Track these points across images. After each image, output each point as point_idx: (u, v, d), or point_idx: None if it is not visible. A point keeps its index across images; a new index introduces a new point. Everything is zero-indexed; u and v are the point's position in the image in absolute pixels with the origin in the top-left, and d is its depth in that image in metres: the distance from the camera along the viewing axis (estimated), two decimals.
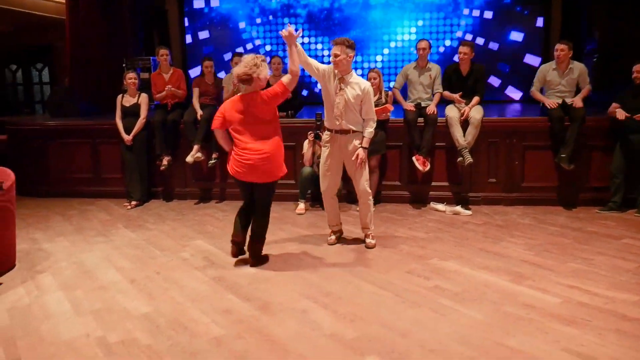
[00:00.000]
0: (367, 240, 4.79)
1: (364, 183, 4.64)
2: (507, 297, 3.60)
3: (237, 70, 4.06)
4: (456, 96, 6.00)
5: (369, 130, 4.52)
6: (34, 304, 3.68)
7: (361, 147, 4.50)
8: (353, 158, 4.48)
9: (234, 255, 4.36)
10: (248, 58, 4.07)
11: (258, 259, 4.36)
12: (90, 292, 3.86)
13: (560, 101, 5.95)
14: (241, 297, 3.69)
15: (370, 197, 4.72)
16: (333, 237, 4.90)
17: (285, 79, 4.17)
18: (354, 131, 4.51)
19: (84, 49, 8.86)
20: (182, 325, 3.27)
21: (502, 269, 4.11)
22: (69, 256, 4.70)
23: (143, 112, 6.45)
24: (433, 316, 3.34)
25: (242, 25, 10.32)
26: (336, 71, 4.44)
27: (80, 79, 8.76)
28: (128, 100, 6.50)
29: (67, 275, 4.22)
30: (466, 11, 9.64)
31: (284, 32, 4.22)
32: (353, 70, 4.54)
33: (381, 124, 5.95)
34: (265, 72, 4.08)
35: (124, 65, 9.17)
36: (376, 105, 5.88)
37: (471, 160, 5.76)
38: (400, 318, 3.31)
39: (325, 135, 4.66)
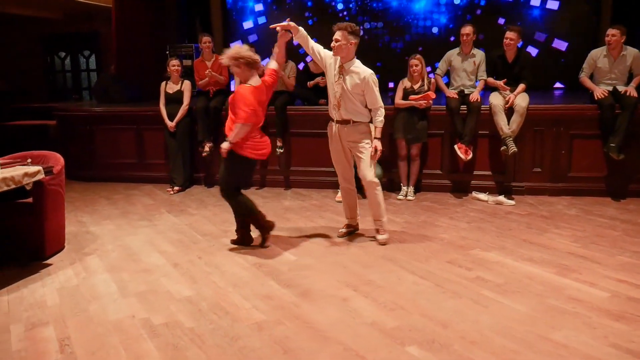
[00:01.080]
0: (378, 236, 4.54)
1: (368, 173, 4.39)
2: (552, 289, 3.51)
3: (244, 53, 4.13)
4: (500, 83, 5.85)
5: (379, 119, 4.31)
6: (82, 285, 3.81)
7: (375, 138, 4.33)
8: (372, 153, 4.32)
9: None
10: (239, 47, 4.24)
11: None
12: (135, 275, 3.97)
13: (610, 89, 5.73)
14: (281, 283, 3.72)
15: (379, 187, 4.47)
16: (344, 230, 4.76)
17: (274, 65, 4.36)
18: (354, 122, 4.34)
19: (129, 36, 9.02)
20: (224, 310, 3.33)
21: (546, 261, 4.01)
22: (114, 239, 4.83)
23: (186, 99, 6.54)
24: (474, 307, 3.29)
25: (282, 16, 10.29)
26: (337, 58, 4.28)
27: (126, 66, 8.93)
28: (171, 87, 6.61)
29: (113, 258, 4.34)
30: None
31: (282, 26, 4.23)
32: (356, 58, 4.33)
33: (423, 112, 5.88)
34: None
35: (167, 52, 9.31)
36: (418, 93, 5.84)
37: (515, 149, 5.63)
38: (441, 308, 3.28)
39: (329, 125, 4.52)
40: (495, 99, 5.85)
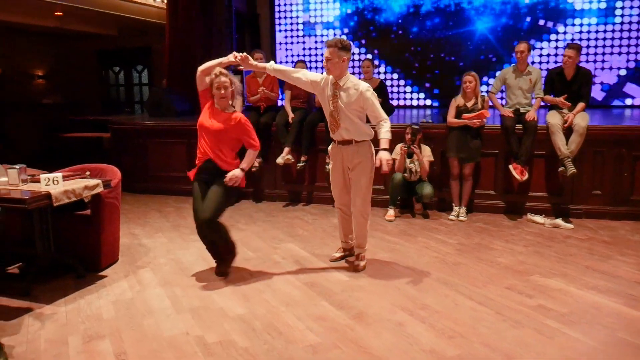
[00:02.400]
0: (358, 263, 4.32)
1: (361, 203, 4.18)
2: (621, 322, 3.32)
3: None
4: (560, 99, 5.66)
5: (383, 130, 3.97)
6: (136, 298, 3.84)
7: (381, 149, 3.94)
8: (377, 165, 3.99)
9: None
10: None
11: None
12: (188, 290, 3.97)
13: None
14: (335, 304, 3.65)
15: (367, 217, 4.27)
16: (336, 254, 4.56)
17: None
18: (357, 141, 4.08)
19: (181, 51, 9.22)
20: (277, 330, 3.28)
21: (613, 291, 3.81)
22: (166, 252, 4.87)
23: None
24: (539, 338, 3.13)
25: (325, 31, 10.34)
26: (331, 76, 4.06)
27: (178, 80, 9.11)
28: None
29: (166, 272, 4.37)
30: None
31: (234, 58, 4.05)
32: (349, 74, 4.09)
33: (476, 131, 5.75)
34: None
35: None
36: (472, 111, 5.71)
37: (574, 170, 5.41)
38: (503, 338, 3.13)
39: (331, 147, 4.32)
40: (553, 118, 5.66)
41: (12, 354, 3.02)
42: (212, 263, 4.54)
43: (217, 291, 3.94)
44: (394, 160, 5.96)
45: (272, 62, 4.16)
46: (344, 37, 4.08)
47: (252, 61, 4.05)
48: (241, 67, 4.11)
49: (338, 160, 4.23)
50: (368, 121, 4.19)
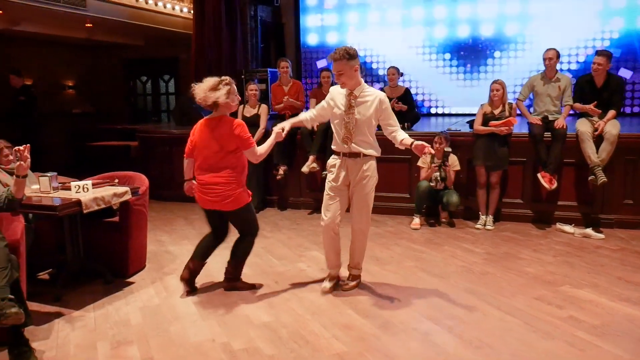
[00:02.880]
0: (348, 282, 4.10)
1: (365, 220, 3.98)
2: None
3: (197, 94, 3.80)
4: (590, 106, 5.55)
5: (404, 134, 3.86)
6: (163, 305, 3.87)
7: (416, 142, 3.72)
8: (425, 152, 3.67)
9: (182, 280, 4.10)
10: (209, 82, 3.81)
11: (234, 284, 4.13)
12: (214, 297, 3.99)
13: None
14: (360, 313, 3.62)
15: (367, 235, 4.10)
16: (328, 284, 4.07)
17: (257, 149, 3.92)
18: (364, 155, 3.85)
19: (207, 61, 9.33)
20: (304, 338, 3.27)
21: None
22: None
23: (262, 123, 6.64)
24: (570, 350, 3.06)
25: (350, 37, 10.35)
26: (347, 89, 3.82)
27: None
28: (249, 111, 6.73)
29: None
30: None
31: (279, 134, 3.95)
32: (363, 82, 3.87)
33: (504, 138, 5.68)
34: (226, 94, 3.77)
35: (242, 77, 9.54)
36: (499, 119, 5.65)
37: (605, 179, 5.30)
38: (533, 349, 3.07)
39: (332, 159, 3.99)
40: (583, 126, 5.56)
41: (43, 358, 3.07)
42: None
43: (243, 298, 3.95)
44: (419, 167, 5.93)
45: (303, 115, 4.18)
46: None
47: (283, 123, 4.04)
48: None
49: (341, 174, 3.91)
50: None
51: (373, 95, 3.82)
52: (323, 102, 4.01)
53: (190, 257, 4.11)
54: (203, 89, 3.77)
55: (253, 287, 4.14)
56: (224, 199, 3.84)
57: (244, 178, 3.94)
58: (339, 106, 3.85)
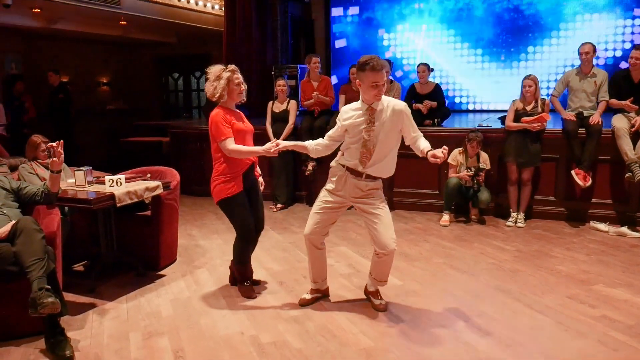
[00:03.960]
0: (376, 302, 3.65)
1: (391, 240, 3.43)
2: None
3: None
4: (627, 102, 5.40)
5: (423, 139, 3.46)
6: (193, 297, 3.93)
7: (430, 150, 3.32)
8: (432, 158, 3.23)
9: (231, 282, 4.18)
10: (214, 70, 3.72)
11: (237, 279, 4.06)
12: None
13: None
14: (389, 308, 3.62)
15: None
16: (308, 295, 3.77)
17: (230, 145, 3.64)
18: (375, 178, 3.48)
19: (238, 58, 9.39)
20: (331, 333, 3.28)
21: None
22: (222, 254, 4.97)
23: (291, 118, 6.67)
24: (603, 350, 3.00)
25: (381, 32, 10.30)
26: (362, 104, 3.41)
27: None
28: (278, 107, 6.77)
29: (222, 272, 4.45)
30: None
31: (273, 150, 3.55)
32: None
33: (536, 135, 5.58)
34: (214, 84, 3.67)
35: (272, 72, 9.60)
36: (531, 115, 5.55)
37: None
38: (565, 349, 3.02)
39: (335, 169, 3.57)
40: (619, 122, 5.42)
41: (78, 348, 3.16)
42: (267, 265, 4.62)
43: (271, 292, 3.99)
44: (449, 164, 5.87)
45: (309, 143, 3.68)
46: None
47: (286, 142, 3.74)
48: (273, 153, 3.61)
49: (341, 187, 3.51)
50: None
51: (392, 106, 3.40)
52: (335, 129, 3.54)
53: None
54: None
55: (250, 295, 3.90)
56: (212, 190, 3.81)
57: (235, 170, 3.72)
58: (356, 127, 3.39)
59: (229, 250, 5.01)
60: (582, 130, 5.59)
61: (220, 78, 3.68)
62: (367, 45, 10.29)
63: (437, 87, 6.82)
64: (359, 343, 3.15)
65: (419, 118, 6.57)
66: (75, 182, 4.22)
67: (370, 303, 3.69)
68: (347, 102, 6.69)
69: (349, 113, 3.45)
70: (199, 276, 4.40)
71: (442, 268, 4.43)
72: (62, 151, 3.36)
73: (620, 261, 4.50)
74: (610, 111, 5.76)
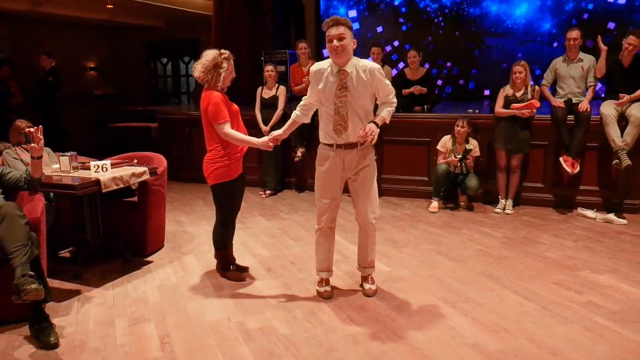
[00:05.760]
0: (366, 286, 3.64)
1: (369, 213, 3.47)
2: None
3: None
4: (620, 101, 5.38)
5: (388, 109, 3.35)
6: (180, 284, 3.91)
7: (373, 122, 3.24)
8: (360, 133, 3.19)
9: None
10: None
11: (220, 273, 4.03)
12: None
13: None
14: (376, 295, 3.62)
15: (375, 228, 3.58)
16: (327, 287, 3.66)
17: (227, 129, 3.61)
18: (361, 144, 3.35)
19: (227, 43, 9.28)
20: (318, 319, 3.28)
21: None
22: (210, 240, 4.86)
23: (281, 104, 6.61)
24: (588, 336, 3.02)
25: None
26: (332, 66, 3.29)
27: None
28: (267, 93, 6.71)
29: (210, 258, 4.42)
30: None
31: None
32: (354, 56, 3.31)
33: (525, 121, 5.58)
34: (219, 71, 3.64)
35: (262, 58, 9.51)
36: (521, 101, 5.54)
37: (629, 163, 5.18)
38: (550, 334, 3.04)
39: (323, 150, 3.45)
40: (607, 109, 5.43)
41: (63, 334, 3.13)
42: (255, 251, 4.60)
43: (259, 279, 3.97)
44: (438, 151, 5.86)
45: (294, 116, 3.66)
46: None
47: (279, 132, 3.67)
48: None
49: (337, 169, 3.42)
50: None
51: (364, 68, 3.26)
52: (309, 92, 3.50)
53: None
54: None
55: (240, 278, 3.93)
56: (207, 171, 3.78)
57: (235, 154, 3.73)
58: (329, 91, 3.29)
59: None
60: (570, 117, 5.60)
61: (220, 66, 3.65)
62: (358, 31, 10.22)
63: (428, 72, 6.79)
64: (345, 329, 3.15)
65: (409, 105, 6.56)
66: (60, 167, 4.17)
67: (365, 291, 3.67)
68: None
69: (318, 74, 3.35)
70: (186, 262, 4.38)
71: (430, 254, 4.44)
72: (41, 137, 3.31)
73: (606, 248, 4.53)
74: (598, 98, 5.76)
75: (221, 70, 3.67)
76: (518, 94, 5.63)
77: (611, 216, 5.33)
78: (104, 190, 3.86)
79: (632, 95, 5.33)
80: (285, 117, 6.68)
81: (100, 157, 4.60)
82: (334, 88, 3.26)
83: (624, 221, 5.24)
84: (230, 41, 9.31)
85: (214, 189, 3.82)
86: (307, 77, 6.64)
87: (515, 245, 4.65)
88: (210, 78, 3.68)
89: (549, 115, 5.74)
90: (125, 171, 4.11)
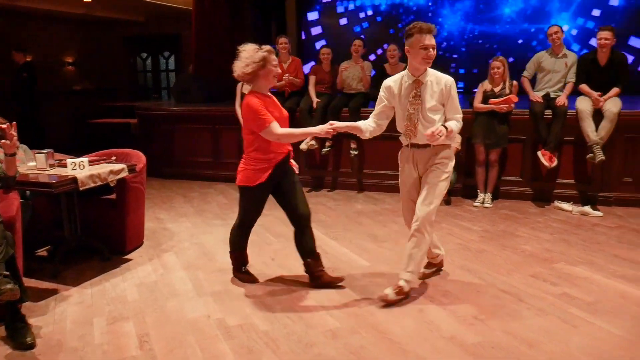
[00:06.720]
0: (387, 292, 3.39)
1: (429, 211, 3.43)
2: None
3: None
4: (595, 96, 5.44)
5: (453, 122, 3.41)
6: (160, 281, 3.90)
7: (443, 125, 3.34)
8: (428, 132, 3.28)
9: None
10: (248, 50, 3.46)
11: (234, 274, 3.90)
12: (211, 274, 4.02)
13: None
14: (356, 290, 3.64)
15: (429, 231, 3.48)
16: (427, 270, 3.85)
17: (277, 129, 3.39)
18: (434, 145, 3.43)
19: (208, 38, 9.24)
20: (298, 315, 3.29)
21: None
22: (190, 237, 4.93)
23: None
24: (563, 327, 3.07)
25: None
26: (408, 76, 3.41)
27: (204, 66, 9.15)
28: (247, 88, 6.61)
29: (189, 256, 4.42)
30: None
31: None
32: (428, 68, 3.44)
33: (504, 116, 5.64)
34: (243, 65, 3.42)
35: None
36: (499, 96, 5.60)
37: (603, 157, 5.28)
38: (526, 326, 3.09)
39: (401, 153, 3.62)
40: (583, 104, 5.51)
41: (40, 334, 3.10)
42: None
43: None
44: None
45: (363, 123, 3.56)
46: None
47: (340, 123, 3.52)
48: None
49: (411, 167, 3.52)
50: None
51: (439, 80, 3.40)
52: (381, 104, 3.51)
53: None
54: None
55: (252, 280, 3.85)
56: (237, 172, 3.61)
57: (269, 159, 3.50)
58: (402, 98, 3.42)
59: (198, 233, 5.03)
60: (548, 111, 5.67)
61: (268, 61, 3.43)
62: (338, 27, 10.23)
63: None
64: (325, 324, 3.16)
65: None
66: (37, 165, 4.11)
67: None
68: (317, 83, 6.69)
69: (392, 84, 3.46)
70: (166, 260, 4.36)
71: None
72: (14, 133, 3.25)
73: (581, 240, 4.61)
74: (575, 93, 5.84)
75: (268, 67, 3.44)
76: (496, 89, 5.68)
77: (587, 209, 5.42)
78: (81, 188, 3.82)
79: (605, 97, 5.41)
80: None
81: (79, 154, 4.54)
82: (409, 95, 3.39)
83: (600, 213, 5.34)
84: (211, 36, 9.26)
85: (240, 190, 3.67)
86: (287, 74, 6.63)
87: (494, 238, 4.71)
88: (254, 77, 3.44)
89: (527, 110, 5.80)
90: (103, 168, 4.07)
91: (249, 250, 4.47)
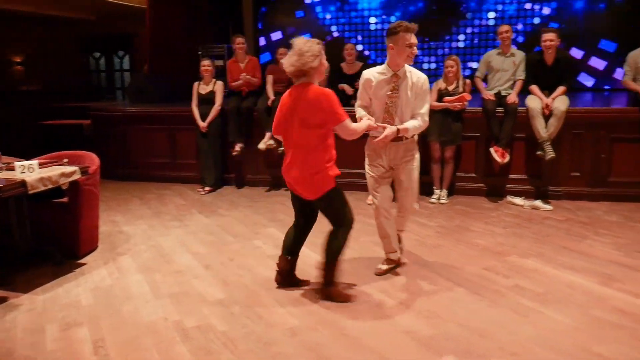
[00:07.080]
0: (380, 266, 3.93)
1: (412, 202, 3.88)
2: (595, 300, 3.38)
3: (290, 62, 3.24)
4: (545, 101, 5.58)
5: (415, 123, 3.58)
6: (115, 285, 3.82)
7: (397, 127, 3.51)
8: (380, 136, 3.46)
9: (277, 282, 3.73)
10: (300, 44, 3.24)
11: (326, 291, 3.47)
12: (168, 276, 3.97)
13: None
14: (314, 287, 3.66)
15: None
16: (385, 266, 3.96)
17: (351, 124, 3.27)
18: (406, 138, 3.62)
19: (163, 37, 9.11)
20: (257, 314, 3.29)
21: (588, 270, 3.87)
22: (147, 239, 4.85)
23: (218, 100, 6.55)
24: (514, 317, 3.18)
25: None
26: (387, 70, 3.59)
27: (159, 66, 9.02)
28: (204, 88, 6.62)
29: (146, 258, 4.35)
30: None
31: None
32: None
33: (457, 114, 5.77)
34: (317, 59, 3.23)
35: (199, 53, 9.36)
36: (453, 94, 5.72)
37: (553, 155, 5.46)
38: (479, 317, 3.18)
39: (372, 147, 3.76)
40: (533, 102, 5.68)
41: None
42: (193, 249, 4.55)
43: (197, 277, 3.94)
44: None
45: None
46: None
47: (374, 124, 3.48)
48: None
49: (382, 159, 3.71)
50: None
51: (415, 75, 3.60)
52: (363, 97, 3.68)
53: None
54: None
55: (349, 299, 3.47)
56: (312, 182, 3.30)
57: (332, 156, 3.35)
58: (380, 91, 3.57)
59: (155, 235, 4.96)
60: (500, 109, 5.83)
61: (320, 53, 3.21)
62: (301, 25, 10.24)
63: (364, 67, 6.87)
64: (285, 323, 3.18)
65: (345, 99, 6.63)
66: None
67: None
68: (275, 82, 6.68)
69: (371, 77, 3.62)
70: (121, 263, 4.28)
71: (368, 246, 4.53)
72: None
73: (532, 233, 4.77)
74: (526, 91, 6.03)
75: (324, 60, 3.28)
76: (450, 88, 5.81)
77: (538, 203, 5.60)
78: (30, 192, 3.70)
79: (553, 95, 5.60)
80: (223, 112, 6.63)
81: (30, 157, 4.42)
82: (387, 89, 3.59)
83: (550, 207, 5.53)
84: (166, 35, 9.14)
85: (324, 199, 3.35)
86: (244, 73, 6.60)
87: (449, 233, 4.81)
88: (315, 70, 3.22)
89: (480, 108, 5.95)
90: (54, 171, 3.96)
91: (206, 251, 4.47)
